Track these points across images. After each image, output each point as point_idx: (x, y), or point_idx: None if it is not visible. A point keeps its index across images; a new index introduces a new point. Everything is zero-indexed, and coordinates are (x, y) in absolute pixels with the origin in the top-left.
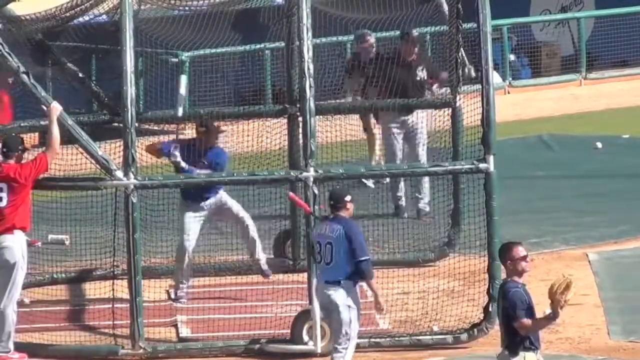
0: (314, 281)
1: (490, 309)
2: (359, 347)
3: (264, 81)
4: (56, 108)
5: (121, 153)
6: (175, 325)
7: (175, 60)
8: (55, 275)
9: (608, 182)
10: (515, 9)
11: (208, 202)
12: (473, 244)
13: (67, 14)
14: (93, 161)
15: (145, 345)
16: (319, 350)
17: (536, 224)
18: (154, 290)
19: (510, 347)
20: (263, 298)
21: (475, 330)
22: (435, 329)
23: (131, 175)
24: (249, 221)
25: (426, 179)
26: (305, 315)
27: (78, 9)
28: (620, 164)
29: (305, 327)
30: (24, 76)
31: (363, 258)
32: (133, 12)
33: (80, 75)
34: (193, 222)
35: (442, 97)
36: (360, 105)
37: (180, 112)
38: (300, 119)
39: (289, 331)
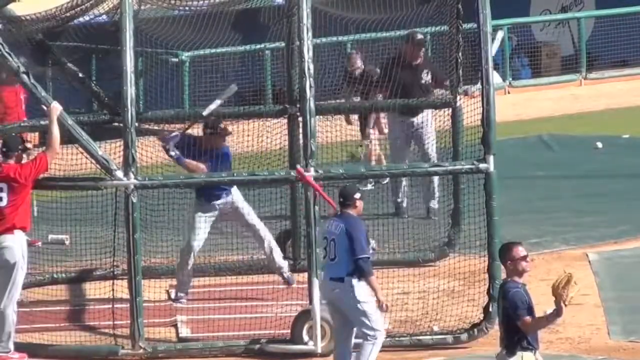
0: (314, 281)
1: (490, 309)
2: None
3: (264, 81)
4: (56, 108)
5: (121, 153)
6: (175, 325)
7: (175, 60)
8: (55, 275)
9: (608, 182)
10: (515, 9)
11: (220, 201)
12: (473, 244)
13: (67, 14)
14: (93, 161)
15: (145, 345)
16: (319, 350)
17: (536, 224)
18: (154, 290)
19: (509, 347)
20: (263, 298)
21: (475, 330)
22: (435, 329)
23: (131, 175)
24: (264, 231)
25: (436, 178)
26: (305, 315)
27: (78, 9)
28: (620, 164)
29: (306, 327)
30: (24, 76)
31: (360, 256)
32: (133, 12)
33: (80, 75)
34: (203, 222)
35: (442, 97)
36: (361, 106)
37: (206, 112)
38: (300, 119)
39: (289, 331)
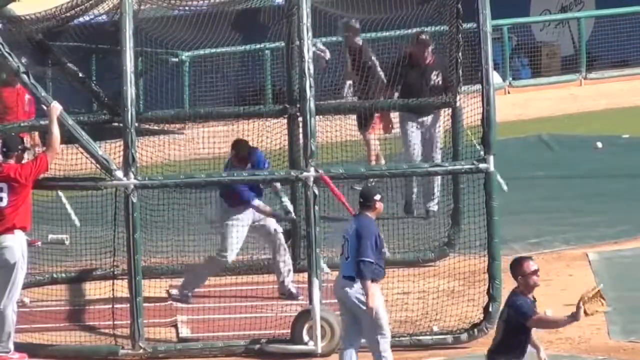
0: (314, 281)
1: (490, 309)
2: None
3: (264, 81)
4: (56, 108)
5: (121, 153)
6: (175, 325)
7: (175, 60)
8: (55, 275)
9: (608, 182)
10: (515, 9)
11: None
12: (473, 244)
13: (67, 14)
14: (93, 161)
15: (145, 345)
16: (319, 350)
17: (536, 224)
18: (154, 290)
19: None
20: (263, 298)
21: (475, 330)
22: (435, 329)
23: (131, 175)
24: (285, 256)
25: (437, 180)
26: (305, 315)
27: (78, 9)
28: (620, 164)
29: (306, 327)
30: (24, 76)
31: (361, 258)
32: (133, 12)
33: (80, 75)
34: (237, 231)
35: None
36: (360, 106)
37: None
38: (300, 119)
39: (289, 331)
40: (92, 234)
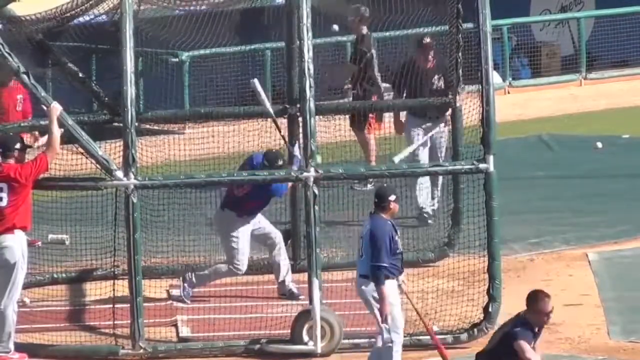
0: (314, 281)
1: (490, 309)
2: (358, 347)
3: (264, 81)
4: (56, 108)
5: (121, 153)
6: (175, 325)
7: (175, 60)
8: (55, 275)
9: (608, 182)
10: (515, 9)
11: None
12: (473, 244)
13: (67, 14)
14: (93, 161)
15: (145, 345)
16: (319, 351)
17: (536, 224)
18: (154, 290)
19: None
20: (263, 298)
21: (475, 330)
22: (435, 329)
23: (131, 175)
24: (281, 244)
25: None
26: (305, 315)
27: (78, 9)
28: (620, 164)
29: (305, 327)
30: (24, 76)
31: (375, 263)
32: (133, 12)
33: (80, 75)
34: (248, 237)
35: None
36: (360, 106)
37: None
38: (300, 119)
39: (289, 331)
40: (93, 234)
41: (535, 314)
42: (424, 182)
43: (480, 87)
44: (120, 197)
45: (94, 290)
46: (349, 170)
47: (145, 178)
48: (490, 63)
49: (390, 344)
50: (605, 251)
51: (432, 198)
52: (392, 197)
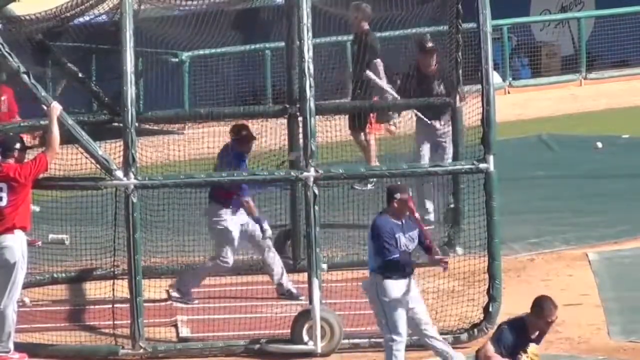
0: (314, 281)
1: (490, 309)
2: (358, 347)
3: (264, 81)
4: (56, 108)
5: (121, 153)
6: (175, 325)
7: (175, 60)
8: (55, 275)
9: (608, 182)
10: (515, 9)
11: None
12: (473, 244)
13: (67, 14)
14: (93, 161)
15: (145, 345)
16: (319, 350)
17: (536, 224)
18: (154, 290)
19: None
20: (263, 298)
21: (475, 330)
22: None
23: (131, 175)
24: (271, 244)
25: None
26: (305, 315)
27: (78, 9)
28: (620, 164)
29: (305, 327)
30: (24, 76)
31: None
32: (133, 12)
33: (80, 75)
34: (235, 230)
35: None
36: (360, 106)
37: None
38: (300, 119)
39: (289, 331)
40: (93, 234)
41: (538, 320)
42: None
43: (481, 87)
44: (120, 197)
45: (94, 290)
46: (349, 170)
47: (145, 178)
48: (490, 63)
49: (390, 343)
50: (605, 251)
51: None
52: (397, 196)
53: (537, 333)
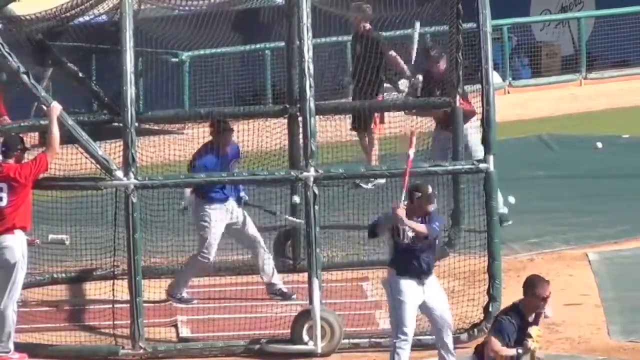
0: (314, 281)
1: (490, 309)
2: (358, 347)
3: (264, 81)
4: (56, 108)
5: (121, 153)
6: (175, 325)
7: (175, 60)
8: (55, 275)
9: (608, 182)
10: (515, 9)
11: (229, 202)
12: (473, 244)
13: (67, 14)
14: (93, 161)
15: (145, 345)
16: (319, 350)
17: (536, 224)
18: (154, 290)
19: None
20: (263, 298)
21: (475, 330)
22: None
23: (131, 175)
24: (262, 244)
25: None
26: (305, 315)
27: (78, 9)
28: (620, 164)
29: (305, 327)
30: (24, 76)
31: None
32: (133, 12)
33: (81, 75)
34: (218, 226)
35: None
36: (360, 106)
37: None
38: (300, 119)
39: (289, 331)
40: (93, 234)
41: (532, 298)
42: None
43: (481, 87)
44: (120, 197)
45: (94, 290)
46: (349, 170)
47: (145, 178)
48: (490, 63)
49: (394, 341)
50: (605, 251)
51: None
52: (417, 195)
53: (533, 315)
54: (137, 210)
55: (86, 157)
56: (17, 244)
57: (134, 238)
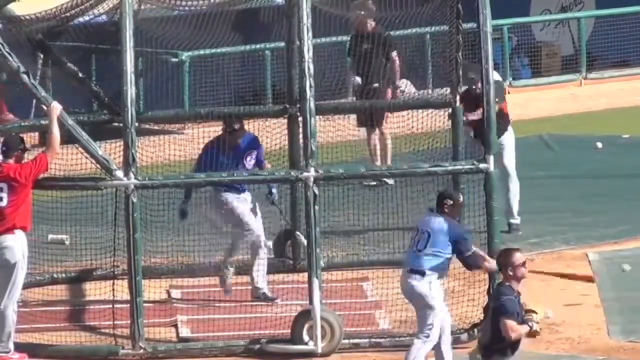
0: (314, 281)
1: None
2: (359, 347)
3: (264, 81)
4: (56, 107)
5: (121, 153)
6: (175, 325)
7: (175, 60)
8: (55, 275)
9: (608, 182)
10: (515, 9)
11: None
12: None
13: (67, 14)
14: (93, 161)
15: (145, 345)
16: (319, 350)
17: (536, 224)
18: (154, 290)
19: (486, 350)
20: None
21: (475, 330)
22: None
23: (131, 175)
24: (264, 244)
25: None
26: (305, 315)
27: (78, 9)
28: (620, 164)
29: (306, 327)
30: (24, 76)
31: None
32: (133, 12)
33: (80, 75)
34: (243, 205)
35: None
36: (360, 106)
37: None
38: (300, 119)
39: (289, 331)
40: (93, 234)
41: (513, 270)
42: (513, 190)
43: (481, 87)
44: (120, 197)
45: (94, 290)
46: (349, 170)
47: (145, 178)
48: (491, 63)
49: (420, 339)
50: (605, 251)
51: (512, 214)
52: (449, 202)
53: (519, 285)
54: (137, 210)
55: (86, 157)
56: (17, 244)
57: (134, 238)
